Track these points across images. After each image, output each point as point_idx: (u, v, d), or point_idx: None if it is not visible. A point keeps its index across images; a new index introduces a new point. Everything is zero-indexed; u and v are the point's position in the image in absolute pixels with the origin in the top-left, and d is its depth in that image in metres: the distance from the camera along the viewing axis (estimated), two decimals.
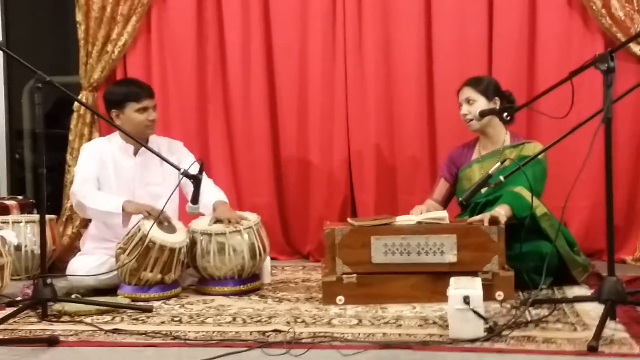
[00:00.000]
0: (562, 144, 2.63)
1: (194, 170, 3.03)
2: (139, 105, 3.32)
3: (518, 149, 3.32)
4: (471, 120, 3.34)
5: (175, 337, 2.45)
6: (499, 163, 2.88)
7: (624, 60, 3.71)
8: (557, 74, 3.56)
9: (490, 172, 2.82)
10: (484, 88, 3.34)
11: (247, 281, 3.23)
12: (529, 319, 2.55)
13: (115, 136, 3.46)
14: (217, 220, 3.26)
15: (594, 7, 3.76)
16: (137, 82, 3.50)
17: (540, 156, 3.01)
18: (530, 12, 3.92)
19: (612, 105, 2.45)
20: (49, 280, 2.75)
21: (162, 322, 2.69)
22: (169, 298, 3.12)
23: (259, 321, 2.67)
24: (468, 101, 3.34)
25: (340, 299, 2.89)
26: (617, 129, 3.68)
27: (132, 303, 2.98)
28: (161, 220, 3.15)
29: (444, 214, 3.06)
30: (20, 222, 3.81)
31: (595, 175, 3.63)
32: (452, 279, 2.51)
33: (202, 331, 2.54)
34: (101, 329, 2.58)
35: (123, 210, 3.18)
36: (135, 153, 3.43)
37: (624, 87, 2.77)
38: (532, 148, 3.30)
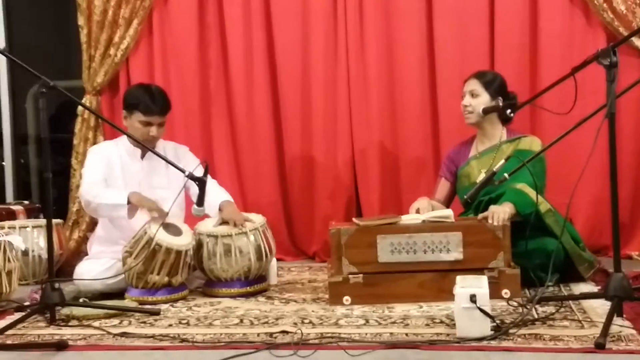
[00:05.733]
0: (565, 139, 2.62)
1: (199, 172, 3.05)
2: (144, 118, 3.31)
3: (514, 143, 3.33)
4: (471, 112, 3.35)
5: (183, 340, 2.46)
6: (502, 160, 2.87)
7: (627, 55, 3.72)
8: (559, 70, 3.56)
9: (494, 169, 2.82)
10: (490, 84, 3.34)
11: (253, 283, 3.24)
12: (536, 316, 2.55)
13: (123, 139, 3.47)
14: (223, 222, 3.27)
15: (595, 2, 3.75)
16: (154, 95, 3.34)
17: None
18: (532, 9, 3.92)
19: (616, 100, 2.44)
20: (56, 285, 2.76)
21: (170, 325, 2.70)
22: (176, 301, 3.13)
23: (266, 322, 2.68)
24: (472, 94, 3.35)
25: (347, 299, 2.90)
26: (621, 123, 3.69)
27: (140, 306, 2.99)
28: (167, 223, 3.16)
29: (448, 212, 3.06)
30: (27, 227, 3.82)
31: (599, 171, 3.63)
32: (458, 278, 2.51)
33: (210, 333, 2.54)
34: (109, 333, 2.59)
35: (129, 201, 3.17)
36: (143, 156, 3.44)
37: (627, 82, 2.79)
38: (529, 142, 3.31)
